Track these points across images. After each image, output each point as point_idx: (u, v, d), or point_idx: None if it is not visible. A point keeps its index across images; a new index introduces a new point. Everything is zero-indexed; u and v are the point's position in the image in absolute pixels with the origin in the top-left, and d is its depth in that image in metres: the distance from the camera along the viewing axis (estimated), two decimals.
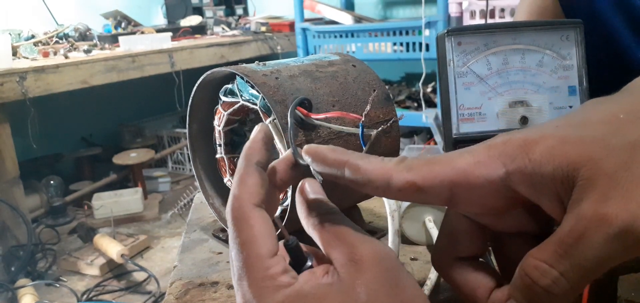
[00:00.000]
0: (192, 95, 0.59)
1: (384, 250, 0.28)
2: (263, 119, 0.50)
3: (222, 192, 0.63)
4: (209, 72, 0.54)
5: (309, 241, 0.31)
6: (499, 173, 0.26)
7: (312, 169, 0.31)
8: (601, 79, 0.65)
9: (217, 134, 0.59)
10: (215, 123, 0.58)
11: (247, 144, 0.32)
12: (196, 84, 0.57)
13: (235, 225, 0.29)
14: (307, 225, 0.31)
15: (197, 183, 0.64)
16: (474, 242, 0.31)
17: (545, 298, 0.25)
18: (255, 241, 0.28)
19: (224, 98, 0.55)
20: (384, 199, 0.44)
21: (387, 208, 0.48)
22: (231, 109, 0.55)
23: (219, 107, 0.57)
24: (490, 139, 0.28)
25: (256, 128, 0.34)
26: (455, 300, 0.53)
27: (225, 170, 0.59)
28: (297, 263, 0.29)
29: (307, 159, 0.31)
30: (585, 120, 0.27)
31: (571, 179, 0.24)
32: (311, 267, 0.29)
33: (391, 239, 0.46)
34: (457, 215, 0.31)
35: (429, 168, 0.28)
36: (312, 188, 0.31)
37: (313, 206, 0.31)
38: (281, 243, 0.30)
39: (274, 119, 0.48)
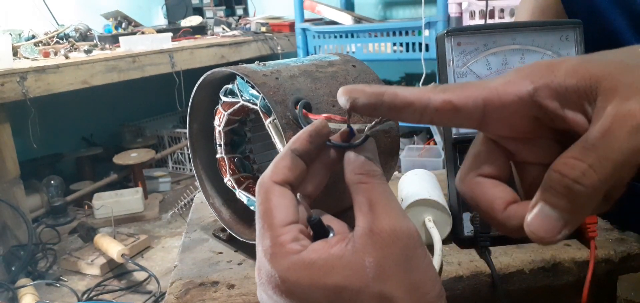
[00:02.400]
0: (192, 95, 0.59)
1: (404, 228, 0.30)
2: (263, 120, 0.50)
3: (223, 192, 0.63)
4: (209, 72, 0.54)
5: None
6: (528, 88, 0.28)
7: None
8: None
9: (217, 134, 0.59)
10: (216, 123, 0.58)
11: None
12: (196, 84, 0.57)
13: (257, 198, 0.32)
14: (349, 180, 0.32)
15: (197, 183, 0.64)
16: (498, 163, 0.32)
17: (575, 190, 0.26)
18: (271, 212, 0.31)
19: (224, 98, 0.55)
20: None
21: None
22: (231, 109, 0.55)
23: (219, 108, 0.57)
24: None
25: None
26: (454, 301, 0.53)
27: (226, 170, 0.59)
28: (319, 237, 0.31)
29: (344, 99, 0.31)
30: (605, 52, 0.29)
31: (594, 90, 0.26)
32: None
33: None
34: (485, 139, 0.33)
35: (463, 89, 0.30)
36: (367, 147, 0.33)
37: (361, 164, 0.32)
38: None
39: (274, 119, 0.48)
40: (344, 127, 0.35)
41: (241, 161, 0.61)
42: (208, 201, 0.63)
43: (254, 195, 0.58)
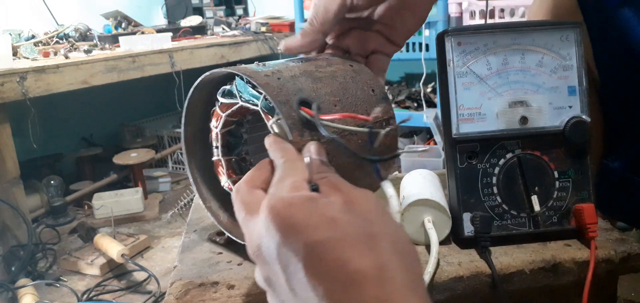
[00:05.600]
0: (189, 96, 0.58)
1: (370, 194, 0.37)
2: (265, 120, 0.50)
3: (219, 195, 0.63)
4: (207, 73, 0.54)
5: None
6: None
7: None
8: (616, 78, 0.65)
9: (214, 136, 0.59)
10: (213, 124, 0.58)
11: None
12: (193, 86, 0.57)
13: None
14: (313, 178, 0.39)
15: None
16: None
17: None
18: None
19: (222, 99, 0.55)
20: (387, 198, 0.44)
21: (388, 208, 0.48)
22: (230, 111, 0.55)
23: (217, 109, 0.57)
24: None
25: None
26: (454, 301, 0.53)
27: (223, 172, 0.59)
28: None
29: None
30: None
31: None
32: None
33: None
34: None
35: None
36: (315, 150, 0.42)
37: (316, 166, 0.40)
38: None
39: (279, 119, 0.48)
40: (357, 129, 0.43)
41: (238, 163, 0.60)
42: (205, 205, 0.62)
43: None
